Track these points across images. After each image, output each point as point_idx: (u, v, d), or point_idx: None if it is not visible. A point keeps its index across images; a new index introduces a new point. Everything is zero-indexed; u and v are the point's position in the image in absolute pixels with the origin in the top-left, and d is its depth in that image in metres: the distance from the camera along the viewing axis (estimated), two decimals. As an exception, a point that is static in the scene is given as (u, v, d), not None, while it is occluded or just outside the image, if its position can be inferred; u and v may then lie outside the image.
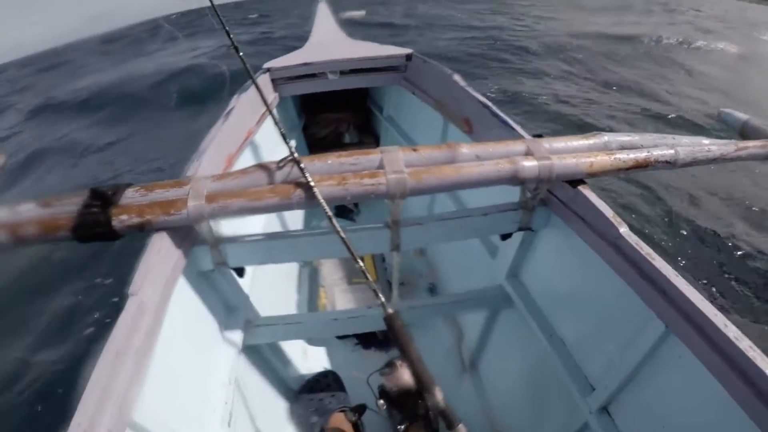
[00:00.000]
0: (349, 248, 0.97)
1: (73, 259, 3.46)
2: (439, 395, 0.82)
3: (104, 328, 0.86)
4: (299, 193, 1.02)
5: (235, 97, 1.90)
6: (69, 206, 1.04)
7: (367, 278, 0.94)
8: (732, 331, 0.79)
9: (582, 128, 4.87)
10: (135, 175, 5.61)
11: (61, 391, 2.53)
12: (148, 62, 13.42)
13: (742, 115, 1.95)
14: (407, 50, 2.46)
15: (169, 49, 15.61)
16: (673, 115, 6.35)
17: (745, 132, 1.91)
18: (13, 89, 16.10)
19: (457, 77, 1.99)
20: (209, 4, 1.28)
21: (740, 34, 12.98)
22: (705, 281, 3.22)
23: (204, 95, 7.78)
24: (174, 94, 9.02)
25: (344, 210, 3.06)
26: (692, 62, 9.71)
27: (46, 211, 1.05)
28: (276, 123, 1.15)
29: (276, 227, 2.16)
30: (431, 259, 2.55)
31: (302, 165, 1.02)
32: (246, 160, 1.84)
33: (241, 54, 1.19)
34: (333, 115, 3.47)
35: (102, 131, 7.87)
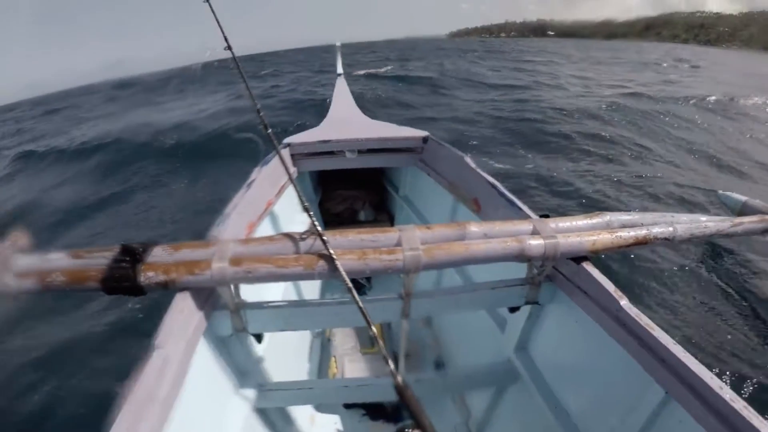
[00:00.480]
0: (365, 316, 1.04)
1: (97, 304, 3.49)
2: None
3: (124, 374, 0.91)
4: (323, 264, 1.09)
5: (257, 168, 1.98)
6: (99, 259, 1.11)
7: (379, 346, 1.01)
8: (727, 393, 0.85)
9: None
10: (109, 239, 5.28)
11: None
12: (155, 113, 13.01)
13: (740, 197, 2.04)
14: (424, 133, 2.54)
15: (178, 101, 15.58)
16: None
17: (744, 212, 2.00)
18: (17, 129, 16.23)
19: (467, 159, 2.09)
20: (243, 85, 1.37)
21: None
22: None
23: (207, 155, 7.48)
24: (172, 150, 8.31)
25: (357, 284, 3.10)
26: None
27: (76, 262, 1.11)
28: (300, 196, 1.23)
29: (292, 295, 2.22)
30: (437, 330, 2.57)
31: (325, 238, 1.10)
32: (265, 228, 1.93)
33: (270, 131, 1.26)
34: (349, 192, 3.53)
35: (89, 185, 7.18)
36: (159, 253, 1.13)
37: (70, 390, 2.76)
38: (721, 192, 2.25)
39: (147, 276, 1.08)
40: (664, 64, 24.80)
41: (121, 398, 0.84)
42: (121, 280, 1.08)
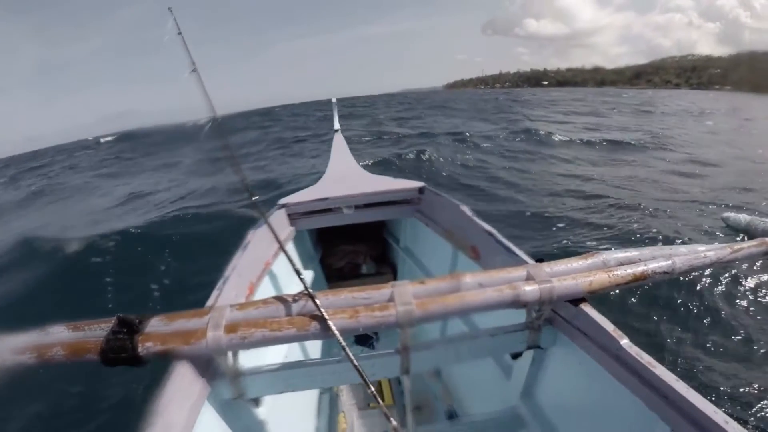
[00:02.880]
0: (362, 375, 1.02)
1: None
2: None
3: None
4: (315, 324, 1.09)
5: (251, 231, 2.00)
6: (97, 331, 1.11)
7: (379, 403, 0.98)
8: (733, 427, 0.84)
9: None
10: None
11: None
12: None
13: (745, 217, 2.04)
14: (419, 183, 2.60)
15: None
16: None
17: (748, 232, 1.99)
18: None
19: (464, 208, 2.12)
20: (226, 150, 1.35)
21: None
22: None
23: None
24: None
25: (364, 336, 3.06)
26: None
27: (75, 335, 1.12)
28: (290, 260, 1.24)
29: (295, 354, 2.19)
30: (446, 380, 2.52)
31: (317, 300, 1.11)
32: (265, 288, 1.93)
33: (255, 198, 1.30)
34: (349, 247, 3.53)
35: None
36: (155, 324, 1.13)
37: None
38: (725, 214, 2.24)
39: (145, 346, 1.08)
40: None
41: None
42: (119, 351, 1.08)
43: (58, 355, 1.08)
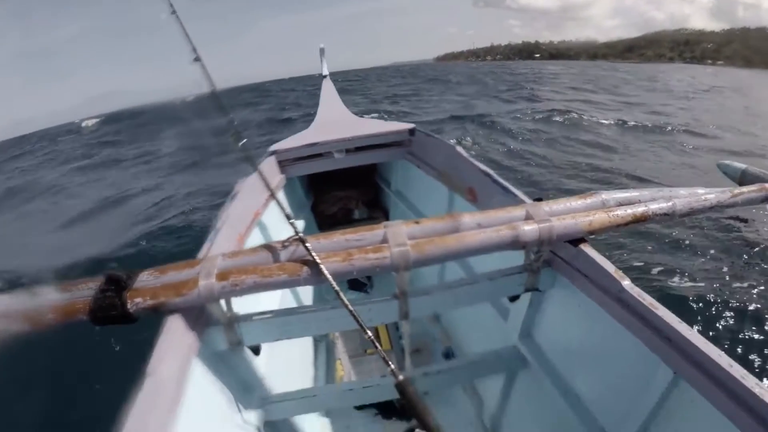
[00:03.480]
0: (357, 320, 0.99)
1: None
2: None
3: (116, 406, 0.86)
4: (306, 270, 1.05)
5: (241, 181, 1.96)
6: (86, 290, 1.07)
7: (376, 348, 0.96)
8: (738, 371, 0.81)
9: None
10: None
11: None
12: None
13: (740, 165, 2.01)
14: (410, 125, 2.57)
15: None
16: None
17: (744, 180, 1.96)
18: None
19: (459, 149, 2.08)
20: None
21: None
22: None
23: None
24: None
25: (357, 283, 3.06)
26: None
27: (64, 296, 1.08)
28: (280, 206, 1.20)
29: (290, 303, 2.18)
30: (445, 324, 2.54)
31: (308, 244, 1.06)
32: (256, 238, 1.89)
33: (244, 141, 1.23)
34: (341, 193, 3.52)
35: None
36: (145, 278, 1.10)
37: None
38: (720, 162, 2.22)
39: (135, 302, 1.04)
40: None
41: None
42: (108, 309, 1.05)
43: (47, 316, 1.05)
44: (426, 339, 2.47)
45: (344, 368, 2.30)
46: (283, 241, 1.12)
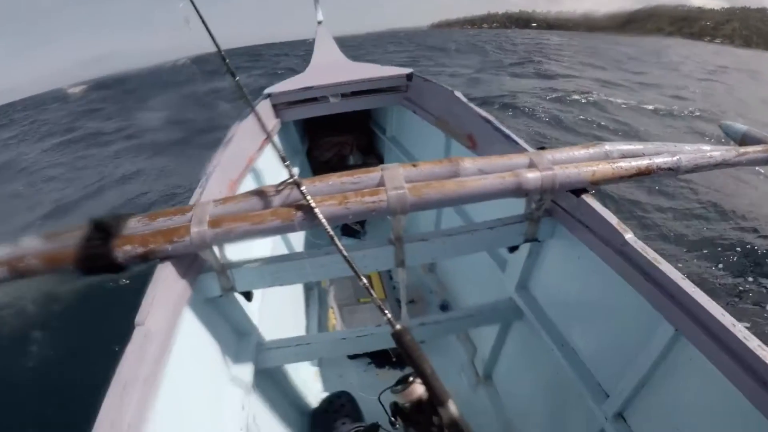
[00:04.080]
0: (352, 266, 0.96)
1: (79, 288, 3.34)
2: (453, 408, 0.81)
3: (112, 358, 0.84)
4: (301, 214, 1.02)
5: (236, 124, 1.90)
6: (72, 239, 1.03)
7: (371, 296, 0.93)
8: (740, 331, 0.79)
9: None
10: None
11: (72, 426, 2.43)
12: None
13: (742, 126, 1.96)
14: (407, 70, 2.51)
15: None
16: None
17: (745, 142, 1.92)
18: None
19: (458, 94, 2.02)
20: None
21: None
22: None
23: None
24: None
25: (350, 230, 3.05)
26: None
27: (49, 246, 1.04)
28: (275, 148, 1.15)
29: (283, 250, 2.15)
30: (441, 275, 2.53)
31: (302, 187, 1.02)
32: (248, 185, 1.83)
33: (237, 78, 1.16)
34: (336, 138, 3.50)
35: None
36: (134, 225, 1.05)
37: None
38: (723, 122, 2.18)
39: (123, 250, 1.00)
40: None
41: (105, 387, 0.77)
42: (96, 258, 1.01)
43: (33, 267, 1.01)
44: (421, 290, 2.48)
45: (336, 317, 2.31)
46: (277, 186, 1.07)
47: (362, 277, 0.95)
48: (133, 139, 11.15)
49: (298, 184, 1.03)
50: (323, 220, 0.99)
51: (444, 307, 2.36)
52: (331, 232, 0.98)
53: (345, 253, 0.97)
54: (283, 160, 1.08)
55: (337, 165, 3.44)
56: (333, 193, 1.07)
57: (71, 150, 11.70)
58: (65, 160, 10.70)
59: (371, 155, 3.60)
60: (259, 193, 1.08)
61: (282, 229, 1.03)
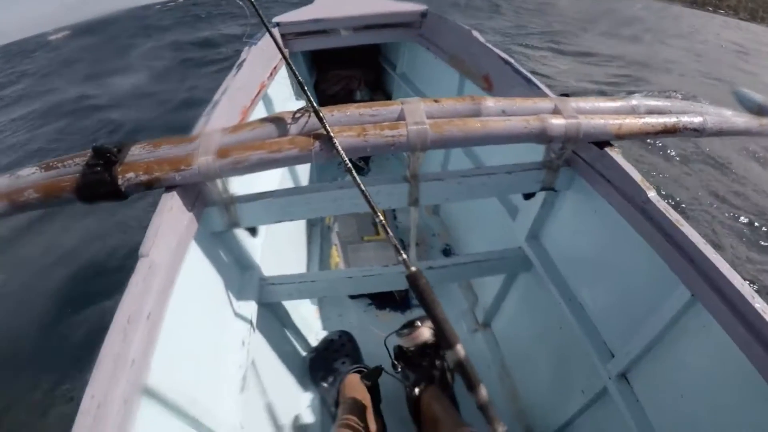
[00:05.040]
0: (369, 202, 0.93)
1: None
2: (462, 352, 0.80)
3: (117, 291, 0.81)
4: (318, 144, 0.97)
5: (246, 48, 1.86)
6: (72, 167, 0.99)
7: (388, 234, 0.90)
8: (759, 303, 0.77)
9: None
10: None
11: (76, 361, 2.42)
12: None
13: (758, 96, 1.90)
14: (422, 7, 2.45)
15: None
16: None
17: (762, 113, 1.87)
18: None
19: (476, 33, 1.95)
20: None
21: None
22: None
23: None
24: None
25: (355, 166, 3.02)
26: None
27: (48, 174, 1.00)
28: (294, 72, 1.09)
29: (288, 183, 2.11)
30: (445, 219, 2.51)
31: (321, 114, 0.98)
32: (260, 113, 1.79)
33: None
34: (344, 72, 3.43)
35: None
36: (138, 152, 1.01)
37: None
38: (737, 89, 2.10)
39: (126, 178, 0.96)
40: None
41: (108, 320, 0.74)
42: (97, 185, 0.97)
43: (31, 198, 0.97)
44: (425, 232, 2.46)
45: (339, 255, 2.29)
46: (294, 112, 1.03)
47: (378, 213, 0.92)
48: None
49: (317, 112, 0.99)
50: (341, 152, 0.95)
51: (446, 251, 2.34)
52: (350, 165, 0.94)
53: (363, 188, 0.93)
54: (302, 85, 1.04)
55: (344, 99, 3.39)
56: (351, 124, 1.02)
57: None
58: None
59: (379, 91, 3.55)
60: (275, 120, 1.03)
61: (299, 159, 0.99)
